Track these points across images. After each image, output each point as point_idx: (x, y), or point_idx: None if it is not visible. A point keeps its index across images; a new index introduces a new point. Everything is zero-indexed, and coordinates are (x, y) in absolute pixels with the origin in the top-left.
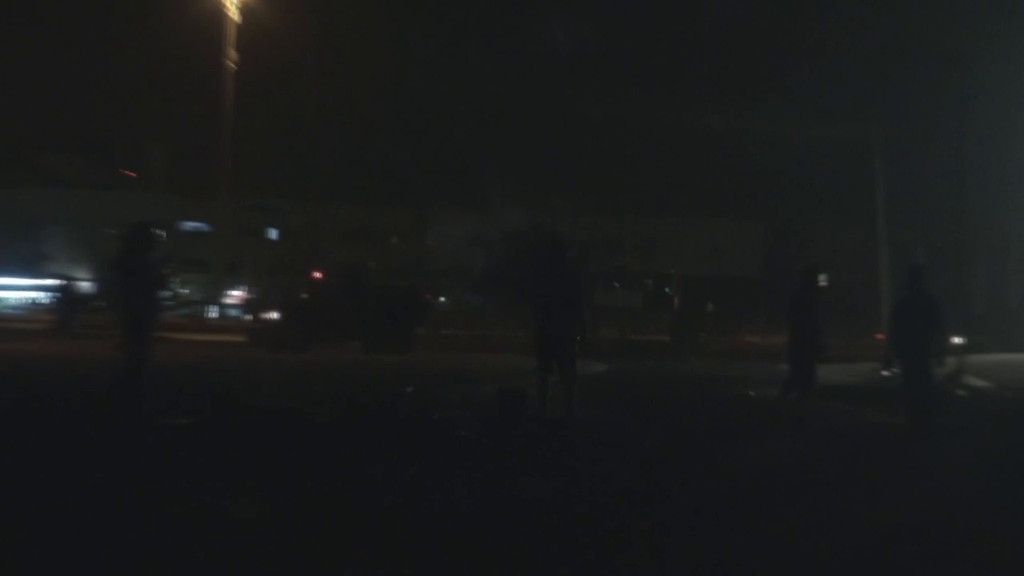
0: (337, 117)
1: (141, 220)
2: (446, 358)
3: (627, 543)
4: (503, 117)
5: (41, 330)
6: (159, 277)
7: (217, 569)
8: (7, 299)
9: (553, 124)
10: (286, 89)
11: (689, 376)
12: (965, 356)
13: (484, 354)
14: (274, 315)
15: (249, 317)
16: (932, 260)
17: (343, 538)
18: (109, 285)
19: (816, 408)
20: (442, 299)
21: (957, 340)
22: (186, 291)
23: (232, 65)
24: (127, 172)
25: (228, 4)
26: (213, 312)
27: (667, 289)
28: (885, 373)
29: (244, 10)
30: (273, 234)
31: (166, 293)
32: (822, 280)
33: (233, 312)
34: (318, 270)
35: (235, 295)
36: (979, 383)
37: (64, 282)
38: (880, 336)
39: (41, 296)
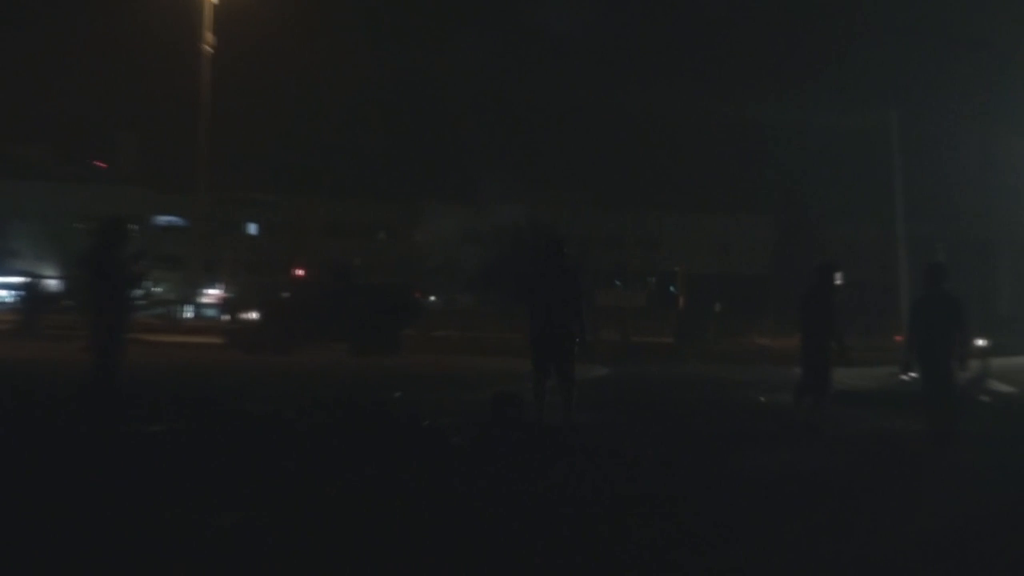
0: (322, 105)
1: (112, 214)
2: (437, 361)
3: (634, 555)
4: (499, 106)
5: (4, 330)
6: (131, 275)
7: None
8: None
9: (552, 113)
10: (268, 75)
11: (695, 380)
12: (989, 359)
13: (477, 357)
14: (254, 315)
15: (227, 317)
16: (954, 257)
17: (325, 552)
18: (78, 283)
19: (831, 414)
20: (433, 298)
21: (980, 342)
22: (160, 290)
23: (209, 49)
24: (97, 163)
25: None
26: (189, 312)
27: (672, 288)
28: (904, 377)
29: None
30: (253, 229)
31: (138, 292)
32: (838, 278)
33: (210, 312)
34: (301, 267)
35: (212, 294)
36: (1003, 388)
37: (30, 280)
38: (898, 338)
39: (5, 294)
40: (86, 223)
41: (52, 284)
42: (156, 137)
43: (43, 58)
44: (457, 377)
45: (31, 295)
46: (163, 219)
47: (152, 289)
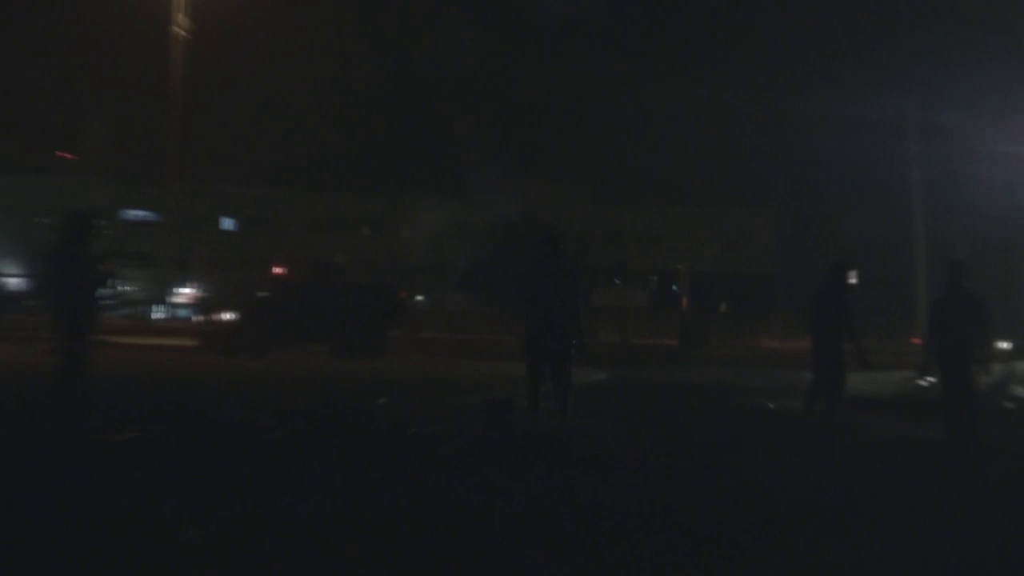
0: (302, 93)
1: (79, 208)
2: (424, 365)
3: (634, 573)
4: (490, 93)
5: None
6: (99, 273)
7: None
8: None
9: (547, 100)
10: (244, 62)
11: (699, 385)
12: (1012, 363)
13: (468, 360)
14: (229, 316)
15: (201, 318)
16: (975, 255)
17: (296, 571)
18: (42, 281)
19: (844, 422)
20: (420, 298)
21: (1003, 345)
22: (130, 289)
23: (182, 33)
24: (63, 154)
25: None
26: (160, 313)
27: (674, 287)
28: (922, 382)
29: None
30: (229, 224)
31: (107, 291)
32: (851, 277)
33: (183, 312)
34: (279, 265)
35: (185, 293)
36: None
37: None
38: (916, 340)
39: None
40: (51, 217)
41: (14, 282)
42: (126, 126)
43: (4, 43)
44: (446, 382)
45: None
46: (133, 213)
47: (121, 288)
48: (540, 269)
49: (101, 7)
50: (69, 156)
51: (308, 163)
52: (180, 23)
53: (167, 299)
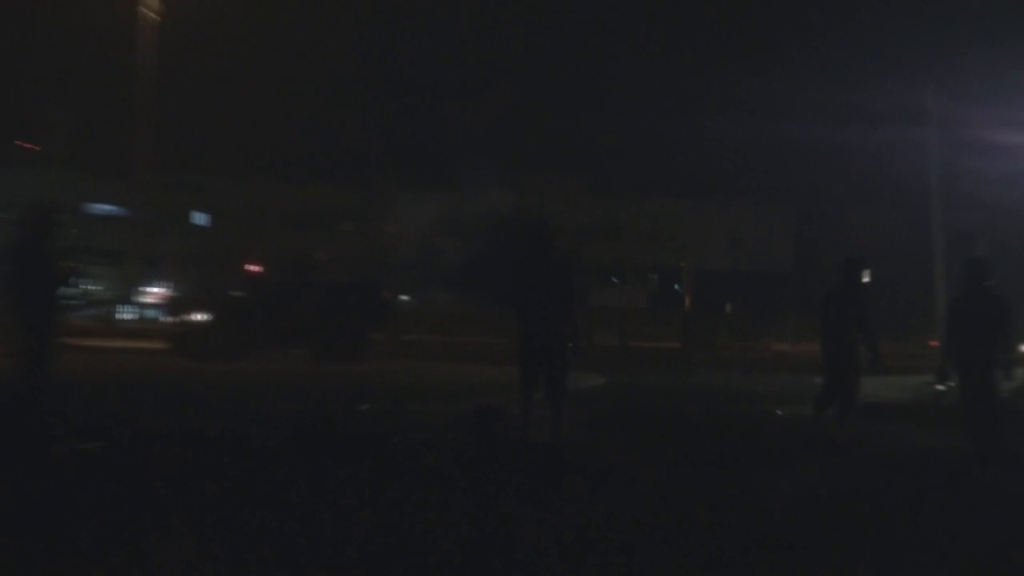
0: (279, 79)
1: (42, 202)
2: (409, 369)
3: None
4: (481, 79)
5: None
6: (62, 271)
7: None
8: None
9: (542, 86)
10: (218, 46)
11: (703, 391)
12: None
13: (455, 364)
14: (201, 317)
15: (171, 319)
16: (997, 251)
17: None
18: (1, 280)
19: (857, 430)
20: (405, 298)
21: None
22: (95, 288)
23: (152, 16)
24: (24, 144)
25: None
26: (128, 313)
27: (677, 286)
28: (940, 388)
29: None
30: (201, 219)
31: (71, 290)
32: (865, 276)
33: (152, 313)
34: (255, 262)
35: (155, 293)
36: None
37: None
38: (934, 343)
39: None
40: (10, 212)
41: None
42: (92, 115)
43: None
44: (432, 388)
45: None
46: (99, 207)
47: (86, 287)
48: (533, 266)
49: None
50: (30, 146)
51: (286, 153)
52: (149, 4)
53: (135, 299)
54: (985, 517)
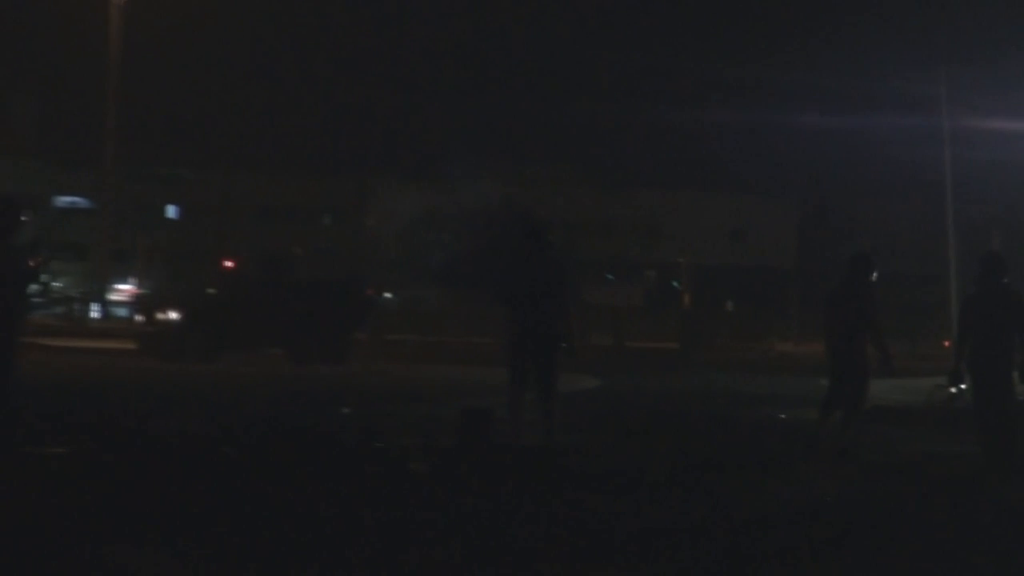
0: (257, 66)
1: (3, 194)
2: (393, 371)
3: None
4: (467, 64)
5: None
6: (25, 267)
7: None
8: None
9: (532, 72)
10: (191, 30)
11: (702, 394)
12: None
13: (441, 365)
14: (173, 315)
15: (141, 318)
16: (1013, 246)
17: None
18: None
19: (865, 435)
20: (388, 295)
21: None
22: (61, 284)
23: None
24: None
25: None
26: (96, 312)
27: (675, 283)
28: (952, 390)
29: None
30: (173, 212)
31: (35, 287)
32: (873, 274)
33: (121, 311)
34: (230, 258)
35: (124, 290)
36: None
37: None
38: (947, 343)
39: None
40: None
41: None
42: (57, 102)
43: None
44: (417, 390)
45: None
46: (65, 200)
47: (51, 284)
48: (524, 263)
49: None
50: None
51: (262, 143)
52: None
53: (103, 296)
54: (997, 527)
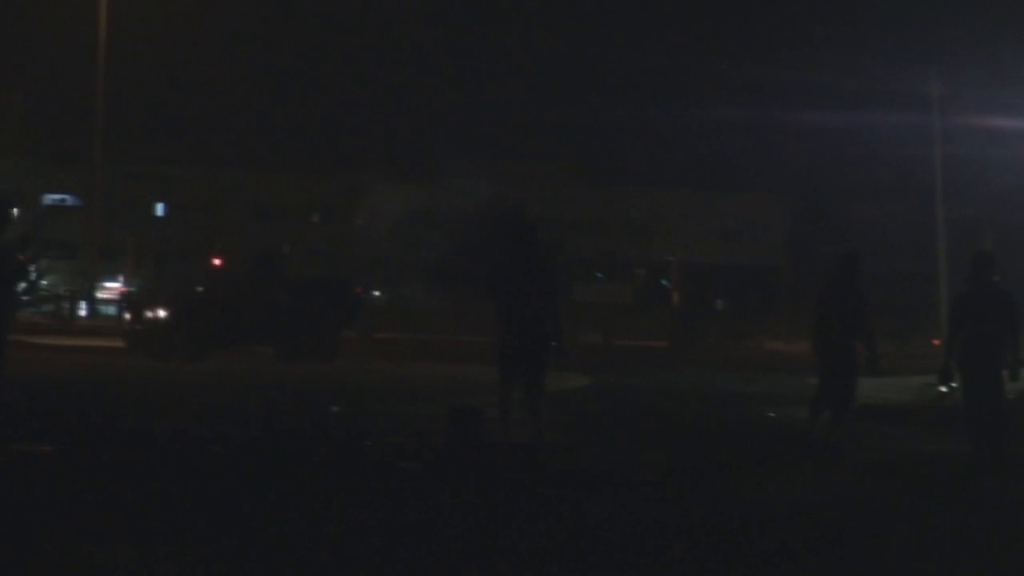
0: (245, 62)
1: None
2: (382, 369)
3: None
4: (457, 60)
5: None
6: (13, 265)
7: None
8: None
9: (522, 69)
10: (181, 26)
11: (692, 392)
12: None
13: (430, 364)
14: (161, 313)
15: (129, 316)
16: (1003, 245)
17: None
18: None
19: (855, 433)
20: (377, 293)
21: None
22: (48, 282)
23: None
24: None
25: None
26: (83, 310)
27: (665, 281)
28: (943, 389)
29: None
30: (161, 209)
31: (22, 285)
32: (860, 272)
33: (109, 309)
34: (218, 256)
35: (112, 288)
36: None
37: None
38: (937, 341)
39: None
40: None
41: None
42: (46, 99)
43: None
44: (406, 388)
45: None
46: (52, 197)
47: (38, 282)
48: (514, 261)
49: None
50: None
51: (252, 141)
52: None
53: (91, 294)
54: (986, 526)
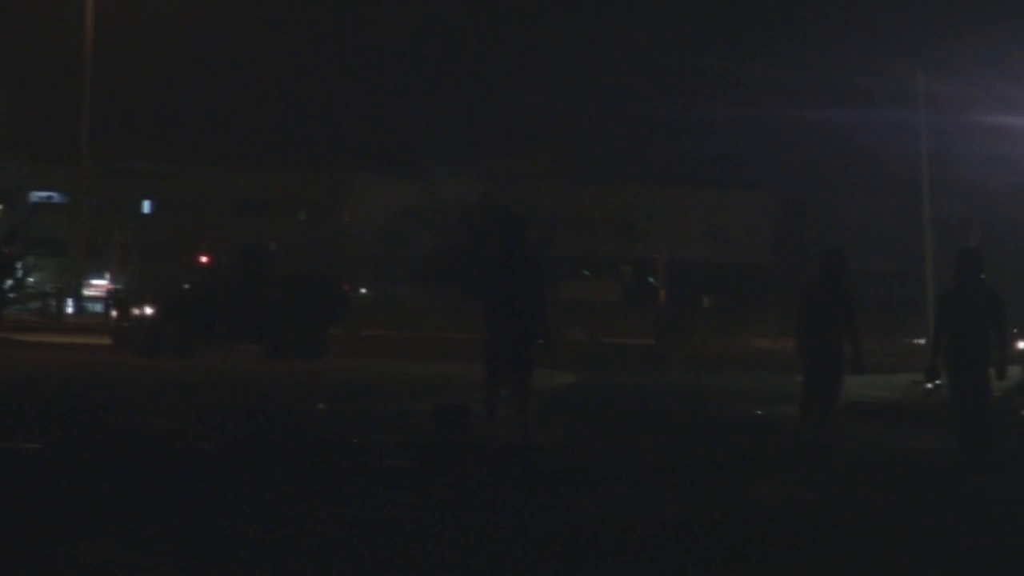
0: (232, 58)
1: None
2: (369, 366)
3: None
4: (444, 57)
5: None
6: (3, 261)
7: None
8: None
9: (508, 65)
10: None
11: (679, 390)
12: None
13: (417, 361)
14: (148, 310)
15: (116, 313)
16: (990, 243)
17: None
18: None
19: (842, 432)
20: (364, 291)
21: (1021, 345)
22: (35, 280)
23: None
24: None
25: None
26: (70, 307)
27: (651, 279)
28: (929, 386)
29: None
30: (147, 207)
31: (9, 282)
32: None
33: (96, 307)
34: (205, 253)
35: (99, 285)
36: None
37: None
38: (917, 340)
39: None
40: None
41: None
42: (29, 95)
43: None
44: (393, 385)
45: None
46: (38, 194)
47: (25, 279)
48: (500, 258)
49: None
50: None
51: (238, 137)
52: None
53: (78, 291)
54: (972, 523)
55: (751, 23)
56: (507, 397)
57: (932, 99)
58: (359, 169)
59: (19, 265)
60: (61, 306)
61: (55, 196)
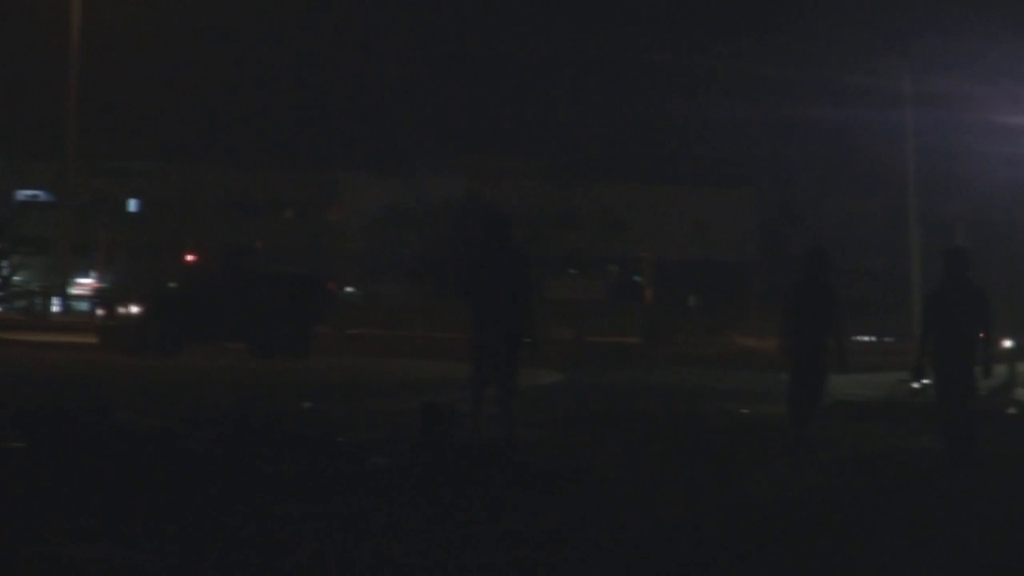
0: (218, 55)
1: None
2: (354, 365)
3: None
4: (430, 56)
5: None
6: None
7: None
8: None
9: (495, 64)
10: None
11: (665, 388)
12: (1016, 364)
13: (403, 360)
14: (134, 309)
15: (102, 312)
16: (976, 241)
17: None
18: None
19: (827, 430)
20: (350, 289)
21: (1007, 343)
22: (20, 278)
23: None
24: None
25: None
26: (56, 306)
27: (637, 277)
28: (915, 385)
29: None
30: (133, 205)
31: None
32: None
33: (82, 305)
34: (191, 252)
35: (85, 284)
36: None
37: None
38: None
39: None
40: None
41: None
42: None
43: None
44: (379, 384)
45: None
46: (23, 193)
47: (10, 278)
48: (486, 257)
49: None
50: None
51: (223, 136)
52: None
53: (64, 290)
54: (957, 521)
55: (738, 21)
56: (493, 396)
57: (920, 97)
58: (345, 167)
59: (5, 264)
60: (47, 305)
61: (41, 194)
